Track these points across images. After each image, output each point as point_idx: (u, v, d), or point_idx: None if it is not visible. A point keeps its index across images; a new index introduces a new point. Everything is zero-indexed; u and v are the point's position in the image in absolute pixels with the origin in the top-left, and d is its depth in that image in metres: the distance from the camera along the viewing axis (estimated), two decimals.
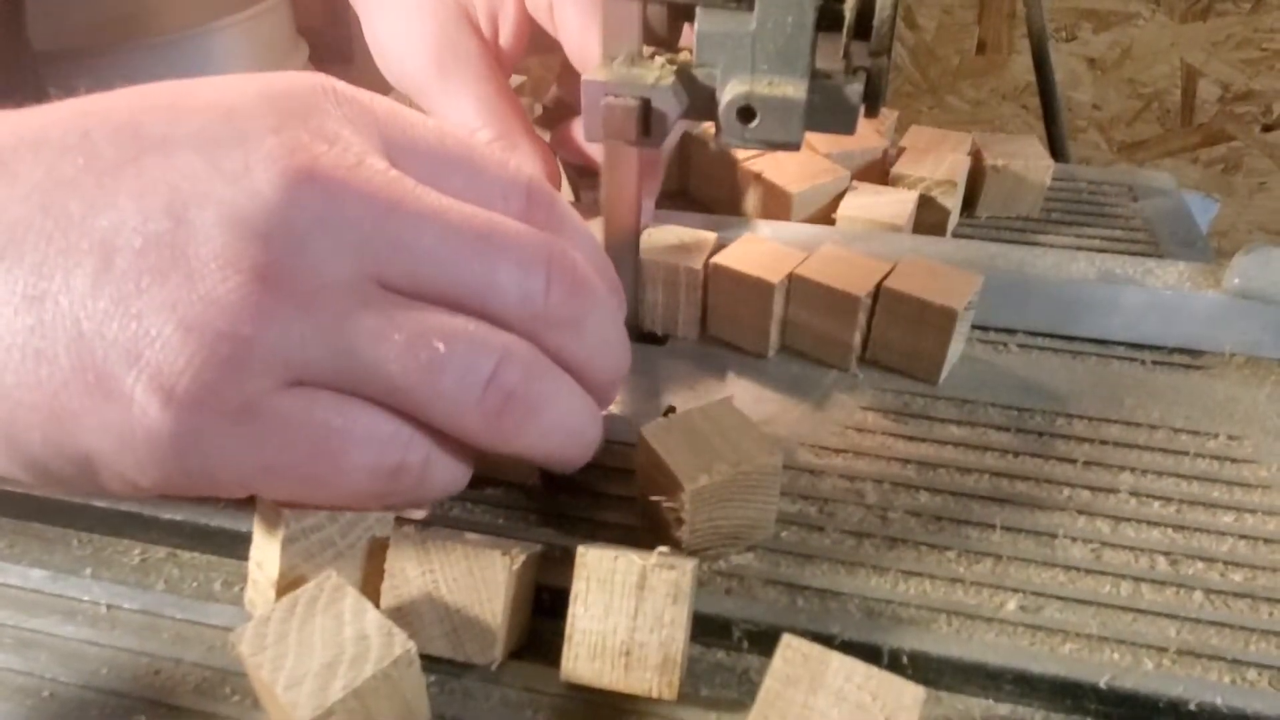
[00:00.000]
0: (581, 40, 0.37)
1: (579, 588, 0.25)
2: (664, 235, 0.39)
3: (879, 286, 0.36)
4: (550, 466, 0.30)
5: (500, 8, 0.40)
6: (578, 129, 0.43)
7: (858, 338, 0.36)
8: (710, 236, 0.39)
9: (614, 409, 0.35)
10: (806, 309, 0.37)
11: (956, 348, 0.36)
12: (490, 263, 0.26)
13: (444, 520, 0.30)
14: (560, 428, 0.28)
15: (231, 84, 0.26)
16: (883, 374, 0.37)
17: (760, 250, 0.38)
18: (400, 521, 0.28)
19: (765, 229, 0.42)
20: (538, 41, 0.41)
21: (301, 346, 0.24)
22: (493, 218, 0.27)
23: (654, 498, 0.28)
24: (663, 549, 0.25)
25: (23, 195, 0.24)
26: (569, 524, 0.30)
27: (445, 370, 0.25)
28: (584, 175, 0.44)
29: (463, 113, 0.39)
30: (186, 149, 0.24)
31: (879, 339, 0.37)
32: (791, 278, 0.36)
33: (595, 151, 0.41)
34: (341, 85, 0.27)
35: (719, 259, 0.37)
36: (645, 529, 0.30)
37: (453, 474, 0.28)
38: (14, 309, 0.23)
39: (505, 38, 0.40)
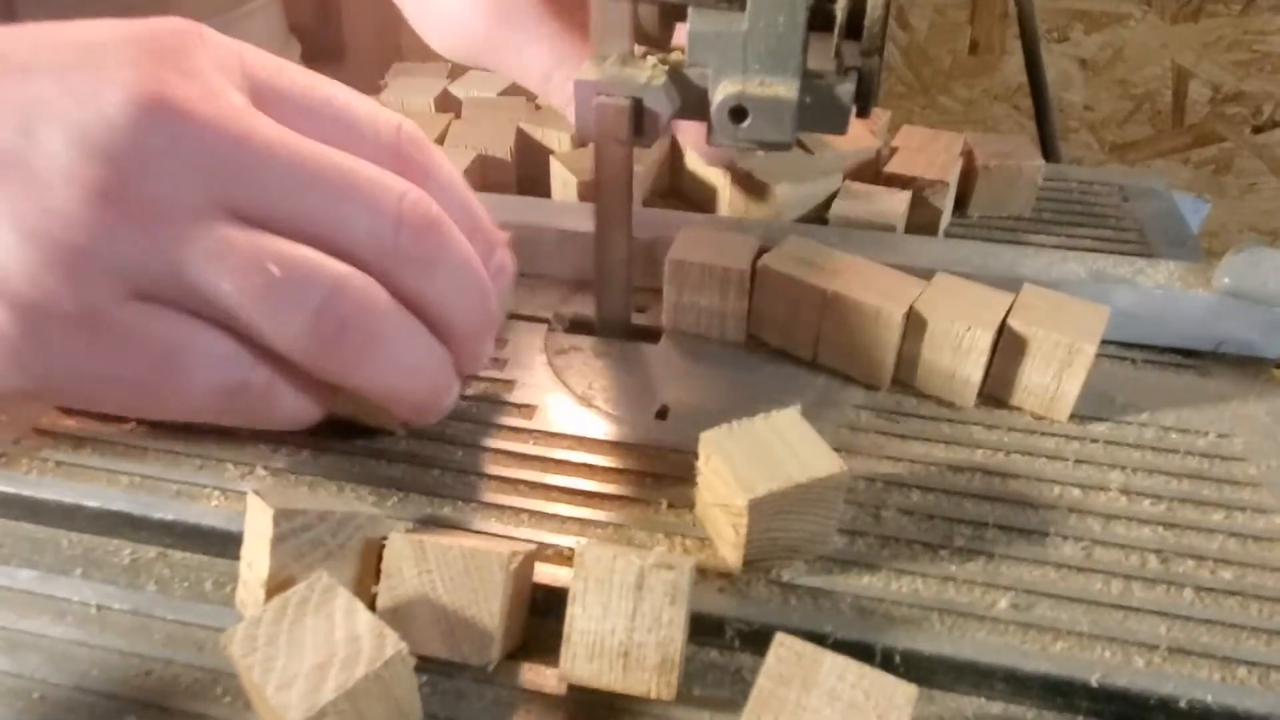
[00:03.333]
0: None
1: (577, 588, 0.24)
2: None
3: (1004, 322, 0.34)
4: (399, 411, 0.31)
5: None
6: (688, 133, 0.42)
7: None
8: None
9: (605, 407, 0.35)
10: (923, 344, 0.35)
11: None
12: (339, 198, 0.27)
13: (440, 520, 0.30)
14: (399, 366, 0.29)
15: (101, 24, 0.27)
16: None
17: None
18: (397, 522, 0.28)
19: (757, 229, 0.42)
20: None
21: (141, 262, 0.25)
22: (347, 158, 0.27)
23: (712, 505, 0.28)
24: (660, 548, 0.25)
25: None
26: (566, 524, 0.30)
27: (278, 294, 0.26)
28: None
29: (537, 56, 0.39)
30: (44, 75, 0.25)
31: (999, 374, 0.35)
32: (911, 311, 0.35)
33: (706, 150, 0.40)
34: (211, 32, 0.28)
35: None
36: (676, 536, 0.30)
37: (300, 403, 0.29)
38: None
39: None
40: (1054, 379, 0.34)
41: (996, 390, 0.35)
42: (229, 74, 0.27)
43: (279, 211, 0.26)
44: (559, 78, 0.39)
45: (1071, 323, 0.34)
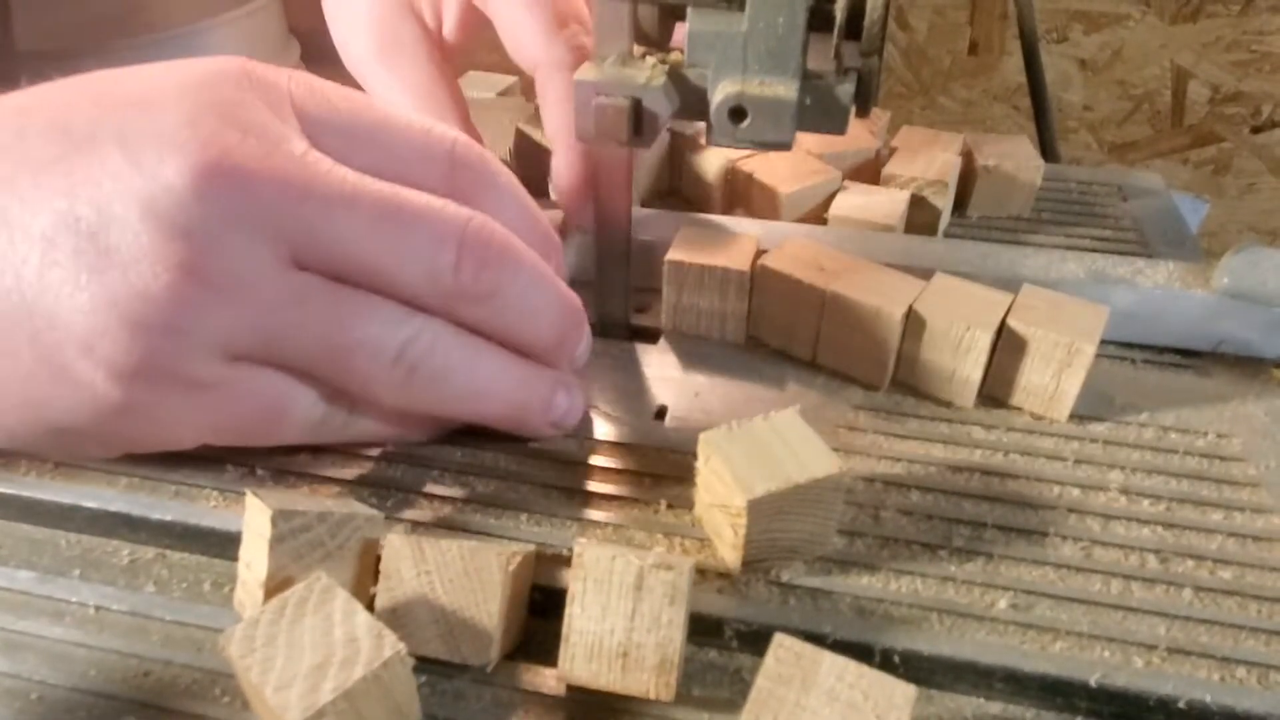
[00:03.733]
0: (510, 30, 0.38)
1: (576, 588, 0.24)
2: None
3: (1004, 322, 0.34)
4: (498, 428, 0.32)
5: (442, 1, 0.41)
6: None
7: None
8: (752, 236, 0.39)
9: (604, 407, 0.35)
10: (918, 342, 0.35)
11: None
12: (397, 243, 0.28)
13: (439, 521, 0.30)
14: (474, 392, 0.30)
15: (153, 75, 0.28)
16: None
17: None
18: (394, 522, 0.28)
19: (757, 229, 0.42)
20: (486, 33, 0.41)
21: (230, 333, 0.27)
22: (403, 196, 0.28)
23: (711, 506, 0.28)
24: (659, 549, 0.25)
25: None
26: (565, 524, 0.30)
27: (355, 353, 0.28)
28: None
29: (399, 98, 0.40)
30: (109, 146, 0.26)
31: (999, 374, 0.35)
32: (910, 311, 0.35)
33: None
34: (258, 68, 0.28)
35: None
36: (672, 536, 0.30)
37: (374, 427, 0.31)
38: None
39: (449, 28, 0.41)
40: (1053, 379, 0.34)
41: (996, 390, 0.35)
42: (282, 113, 0.28)
43: (343, 261, 0.27)
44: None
45: (1071, 323, 0.34)
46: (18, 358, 0.26)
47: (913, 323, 0.34)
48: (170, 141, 0.25)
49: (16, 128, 0.27)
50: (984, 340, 0.34)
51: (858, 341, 0.35)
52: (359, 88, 0.39)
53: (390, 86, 0.40)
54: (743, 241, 0.38)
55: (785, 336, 0.37)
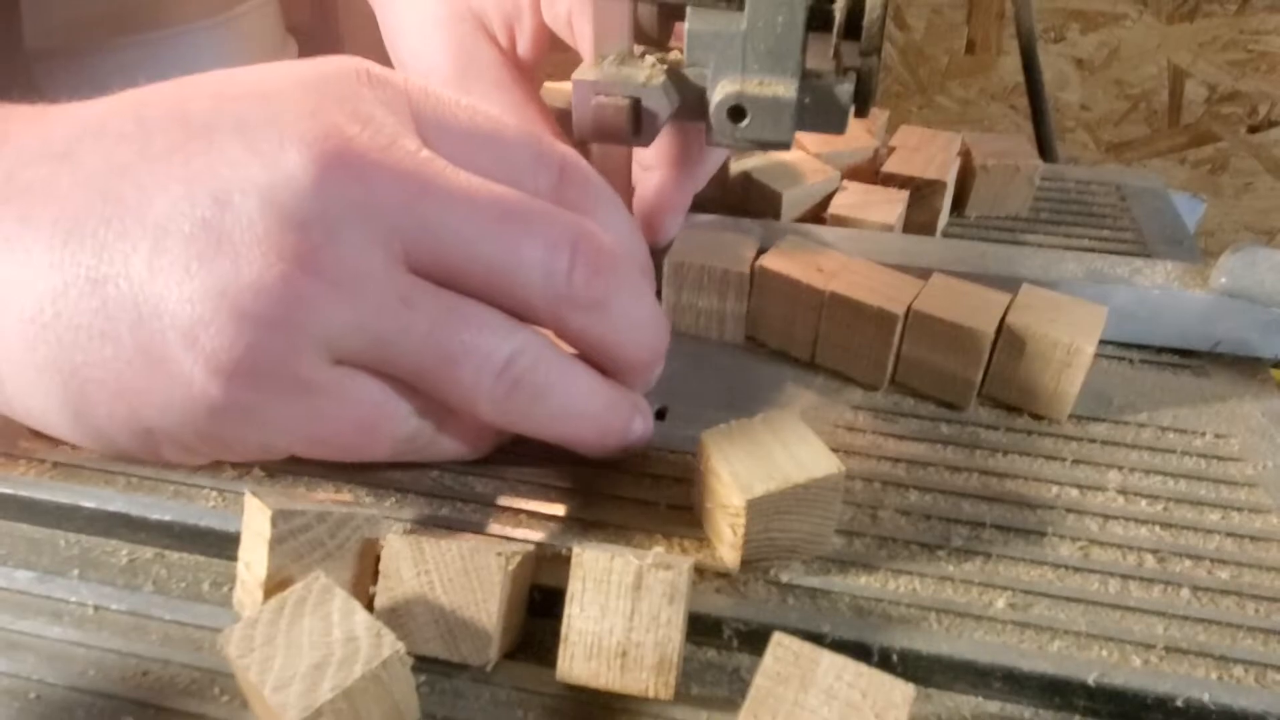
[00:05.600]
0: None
1: (575, 588, 0.24)
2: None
3: (1003, 322, 0.34)
4: (575, 449, 0.31)
5: (517, 19, 0.40)
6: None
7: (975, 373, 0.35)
8: (752, 237, 0.38)
9: None
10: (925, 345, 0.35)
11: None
12: (515, 244, 0.27)
13: (438, 520, 0.30)
14: (568, 412, 0.29)
15: (271, 71, 0.28)
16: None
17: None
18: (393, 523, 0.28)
19: (757, 229, 0.42)
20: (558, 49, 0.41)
21: (339, 333, 0.26)
22: (520, 198, 0.27)
23: (710, 505, 0.28)
24: (658, 549, 0.25)
25: (85, 181, 0.26)
26: (563, 524, 0.30)
27: (462, 363, 0.27)
28: None
29: None
30: (228, 135, 0.25)
31: (998, 374, 0.35)
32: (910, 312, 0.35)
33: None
34: (375, 68, 0.28)
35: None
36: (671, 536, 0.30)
37: (452, 447, 0.30)
38: (79, 292, 0.25)
39: (523, 48, 0.40)
40: (1052, 379, 0.34)
41: (994, 390, 0.35)
42: (399, 113, 0.27)
43: (457, 260, 0.27)
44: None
45: (1070, 323, 0.34)
46: (119, 345, 0.25)
47: (912, 323, 0.34)
48: (292, 131, 0.25)
49: (136, 117, 0.26)
50: (983, 341, 0.34)
51: (857, 342, 0.35)
52: None
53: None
54: (742, 242, 0.38)
55: (784, 337, 0.38)
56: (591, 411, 0.30)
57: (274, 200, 0.24)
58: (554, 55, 0.41)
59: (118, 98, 0.28)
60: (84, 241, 0.25)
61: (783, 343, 0.38)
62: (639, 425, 0.31)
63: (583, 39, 0.38)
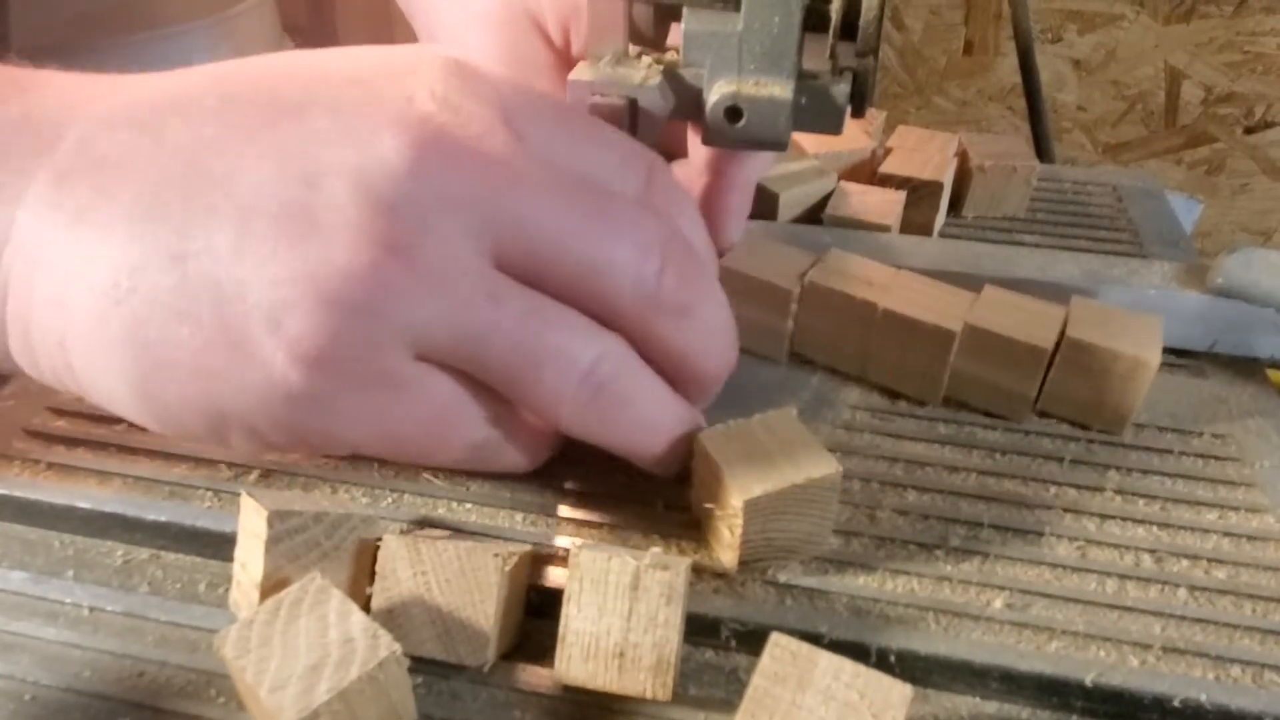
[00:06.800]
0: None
1: (572, 588, 0.24)
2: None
3: (1062, 335, 0.33)
4: (639, 463, 0.30)
5: (574, 18, 0.39)
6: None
7: (1033, 387, 0.34)
8: (807, 252, 0.38)
9: None
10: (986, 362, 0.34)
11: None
12: (605, 243, 0.26)
13: (435, 521, 0.30)
14: (644, 424, 0.28)
15: (362, 56, 0.27)
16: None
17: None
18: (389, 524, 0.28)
19: (753, 228, 0.42)
20: None
21: (424, 325, 0.25)
22: (613, 198, 0.27)
23: (708, 506, 0.28)
24: (656, 549, 0.25)
25: (168, 154, 0.25)
26: (561, 524, 0.30)
27: (547, 365, 0.26)
28: None
29: None
30: (321, 115, 0.25)
31: (1054, 392, 0.34)
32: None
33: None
34: (465, 59, 0.27)
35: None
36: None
37: (515, 457, 0.30)
38: (158, 267, 0.24)
39: (578, 45, 0.39)
40: (1115, 393, 0.33)
41: (1050, 405, 0.35)
42: (489, 103, 0.26)
43: (547, 257, 0.26)
44: None
45: (1129, 335, 0.33)
46: (197, 324, 0.24)
47: (967, 338, 0.34)
48: (387, 115, 0.24)
49: (223, 93, 0.25)
50: (1041, 356, 0.33)
51: (910, 358, 0.35)
52: None
53: None
54: (795, 256, 0.37)
55: (832, 352, 0.37)
56: (665, 425, 0.29)
57: (366, 184, 0.24)
58: None
59: (196, 72, 0.27)
60: (167, 216, 0.24)
61: (831, 358, 0.37)
62: (682, 452, 0.30)
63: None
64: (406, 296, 0.24)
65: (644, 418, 0.28)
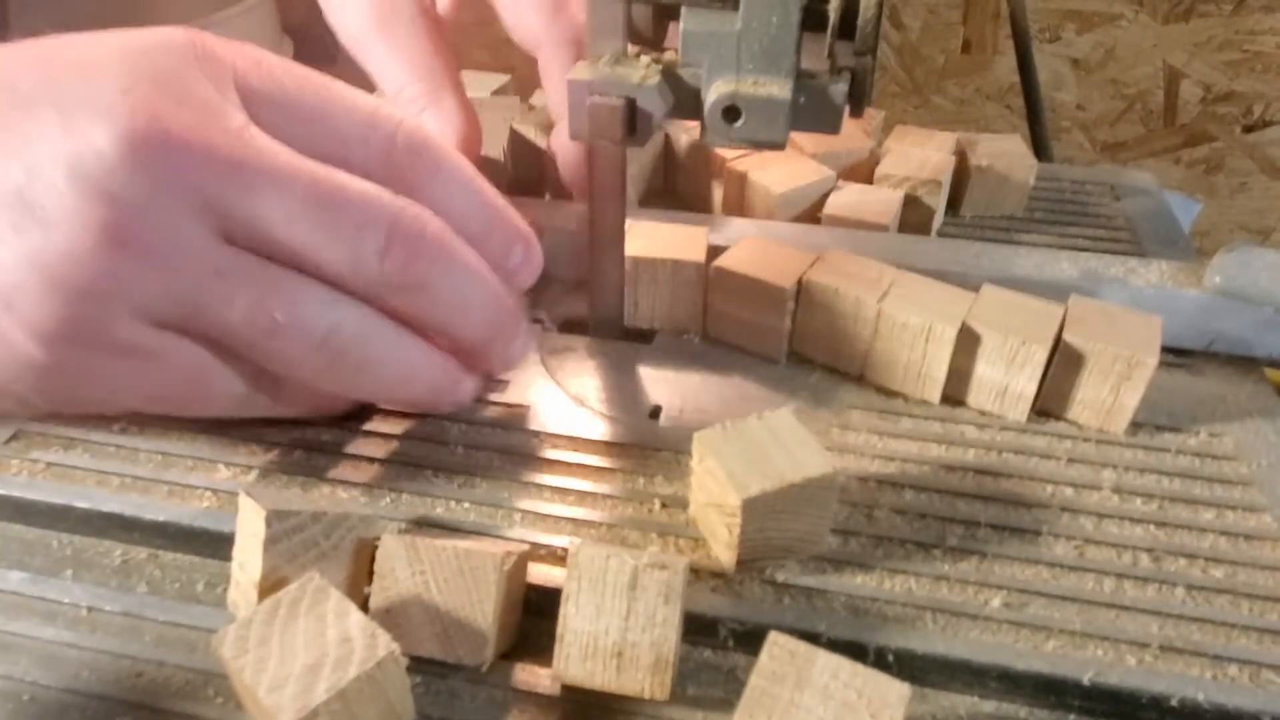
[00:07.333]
0: (512, 7, 0.38)
1: (570, 588, 0.24)
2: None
3: (1059, 336, 0.33)
4: (404, 409, 0.33)
5: None
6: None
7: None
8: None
9: (598, 407, 0.35)
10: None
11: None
12: (327, 225, 0.28)
13: (433, 521, 0.30)
14: (393, 380, 0.31)
15: (99, 41, 0.28)
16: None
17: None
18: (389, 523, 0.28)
19: (751, 228, 0.42)
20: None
21: (154, 301, 0.27)
22: (338, 178, 0.28)
23: (706, 505, 0.28)
24: (654, 548, 0.25)
25: None
26: (560, 524, 0.30)
27: (280, 336, 0.28)
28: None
29: (396, 68, 0.40)
30: (47, 107, 0.26)
31: (1052, 390, 0.34)
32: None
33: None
34: (204, 39, 0.29)
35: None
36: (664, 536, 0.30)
37: (298, 407, 0.32)
38: None
39: (441, 6, 0.42)
40: (1111, 392, 0.33)
41: (1050, 404, 0.35)
42: (222, 87, 0.28)
43: (271, 239, 0.27)
44: (409, 94, 0.39)
45: (1127, 335, 0.33)
46: None
47: (965, 338, 0.34)
48: (102, 107, 0.25)
49: None
50: (1040, 355, 0.33)
51: (909, 357, 0.35)
52: (360, 78, 0.39)
53: (387, 58, 0.40)
54: (793, 256, 0.37)
55: (831, 353, 0.37)
56: (419, 380, 0.31)
57: (82, 175, 0.25)
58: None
59: None
60: None
61: (829, 358, 0.37)
62: (468, 387, 0.33)
63: (500, 4, 0.38)
64: (128, 277, 0.26)
65: (390, 375, 0.30)
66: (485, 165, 0.48)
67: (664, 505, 0.31)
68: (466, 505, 0.30)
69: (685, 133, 0.49)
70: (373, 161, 0.29)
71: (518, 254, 0.33)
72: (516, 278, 0.33)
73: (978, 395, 0.35)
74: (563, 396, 0.35)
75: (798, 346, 0.38)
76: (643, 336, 0.39)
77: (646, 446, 0.33)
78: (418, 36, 0.39)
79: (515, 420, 0.34)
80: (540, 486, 0.31)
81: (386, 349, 0.30)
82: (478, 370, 0.34)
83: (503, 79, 0.55)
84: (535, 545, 0.29)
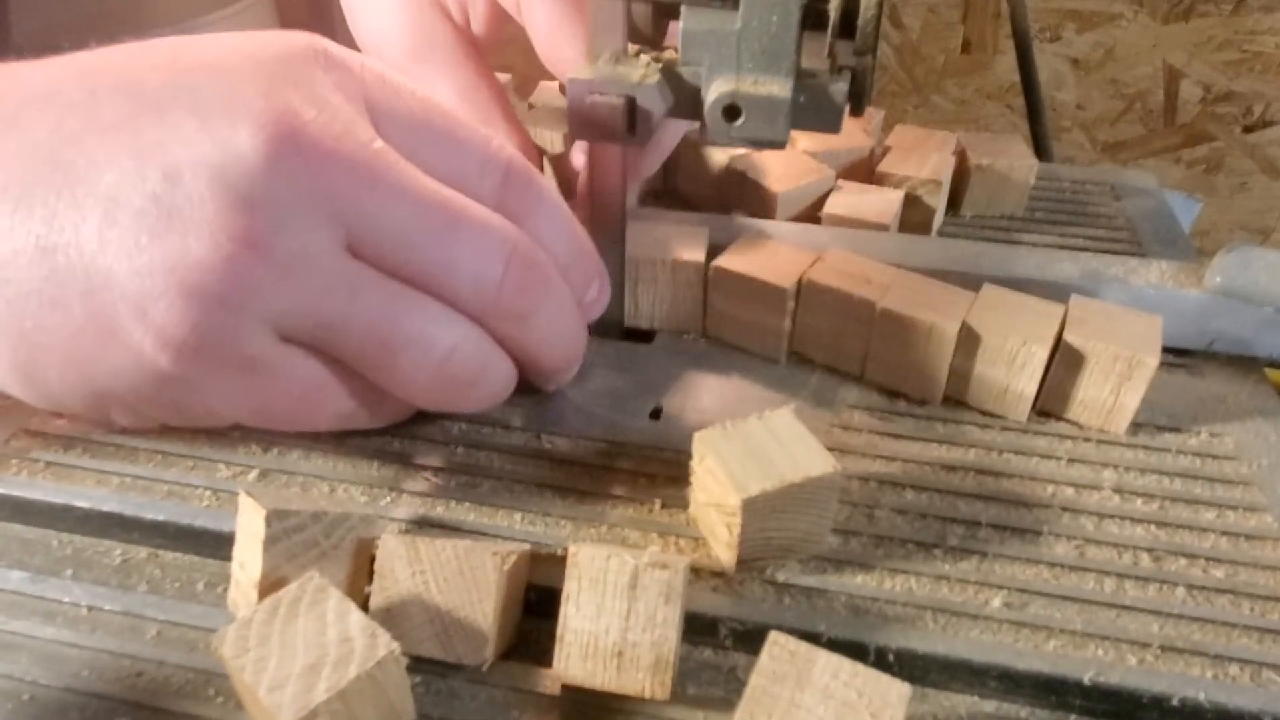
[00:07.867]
0: (548, 36, 0.38)
1: (571, 588, 0.24)
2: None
3: (1060, 336, 0.33)
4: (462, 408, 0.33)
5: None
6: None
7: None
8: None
9: (598, 407, 0.35)
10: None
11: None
12: (451, 248, 0.28)
13: (433, 520, 0.30)
14: (487, 397, 0.32)
15: (227, 44, 0.27)
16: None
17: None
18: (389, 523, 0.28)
19: (751, 228, 0.42)
20: (512, 31, 0.41)
21: (286, 314, 0.26)
22: (464, 204, 0.28)
23: (706, 505, 0.28)
24: (654, 548, 0.25)
25: (31, 149, 0.26)
26: (560, 523, 0.30)
27: (403, 352, 0.28)
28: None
29: (441, 98, 0.39)
30: (181, 110, 0.25)
31: (1053, 390, 0.34)
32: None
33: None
34: (333, 48, 0.28)
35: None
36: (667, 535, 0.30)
37: (391, 419, 0.32)
38: (29, 259, 0.25)
39: (476, 26, 0.41)
40: (1112, 392, 0.33)
41: (1050, 404, 0.35)
42: (353, 99, 0.28)
43: (396, 256, 0.27)
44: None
45: (1128, 335, 0.33)
46: (69, 313, 0.26)
47: (966, 338, 0.34)
48: (245, 110, 0.25)
49: (87, 88, 0.26)
50: (1040, 355, 0.33)
51: (910, 357, 0.35)
52: None
53: (430, 87, 0.39)
54: (794, 255, 0.37)
55: (832, 352, 0.37)
56: (502, 395, 0.32)
57: (224, 180, 0.25)
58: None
59: (66, 61, 0.28)
60: (33, 209, 0.25)
61: (829, 358, 0.37)
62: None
63: (529, 22, 0.38)
64: (263, 288, 0.26)
65: (488, 394, 0.31)
66: None
67: (664, 505, 0.31)
68: (466, 505, 0.30)
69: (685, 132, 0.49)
70: (485, 189, 0.29)
71: (595, 288, 0.34)
72: (591, 310, 0.34)
73: (978, 395, 0.35)
74: (563, 396, 0.35)
75: (798, 346, 0.38)
76: (643, 336, 0.39)
77: (646, 446, 0.33)
78: (459, 65, 0.39)
79: (515, 420, 0.34)
80: (540, 486, 0.31)
81: (494, 370, 0.31)
82: (531, 383, 0.34)
83: (503, 79, 0.55)
84: (535, 545, 0.29)
